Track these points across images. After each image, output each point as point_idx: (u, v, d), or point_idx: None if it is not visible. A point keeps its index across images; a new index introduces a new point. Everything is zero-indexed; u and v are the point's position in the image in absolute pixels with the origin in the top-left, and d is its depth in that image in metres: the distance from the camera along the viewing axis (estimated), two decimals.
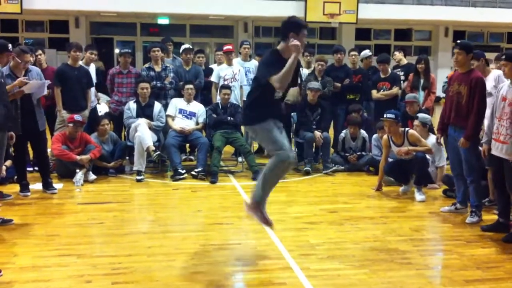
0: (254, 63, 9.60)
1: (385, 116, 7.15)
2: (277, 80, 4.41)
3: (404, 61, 9.79)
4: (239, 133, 8.37)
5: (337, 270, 4.54)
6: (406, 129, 7.22)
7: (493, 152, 5.45)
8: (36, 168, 7.38)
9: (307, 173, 8.20)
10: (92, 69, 8.62)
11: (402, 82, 9.21)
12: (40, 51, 8.38)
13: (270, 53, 4.81)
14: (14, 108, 6.34)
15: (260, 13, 19.53)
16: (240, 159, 8.73)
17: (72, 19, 20.33)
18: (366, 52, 9.88)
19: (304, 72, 9.33)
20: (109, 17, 20.30)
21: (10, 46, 6.15)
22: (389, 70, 9.24)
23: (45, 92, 6.48)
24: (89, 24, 20.83)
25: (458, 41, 6.21)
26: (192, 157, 9.12)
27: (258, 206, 4.84)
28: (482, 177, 6.14)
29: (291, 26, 4.61)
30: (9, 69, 6.35)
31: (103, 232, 5.43)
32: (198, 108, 8.46)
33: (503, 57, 5.49)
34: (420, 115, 7.72)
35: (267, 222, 4.88)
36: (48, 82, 6.56)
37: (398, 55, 9.77)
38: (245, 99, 9.08)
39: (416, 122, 7.59)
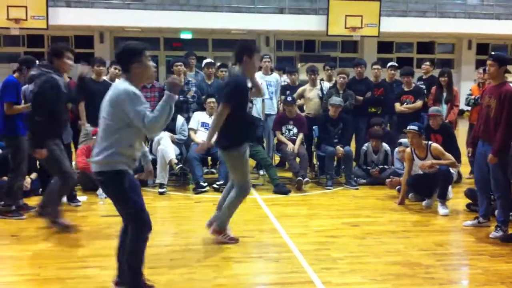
0: (275, 77, 9.66)
1: (408, 127, 7.13)
2: (220, 111, 5.08)
3: (432, 73, 9.73)
4: (260, 146, 8.39)
5: (359, 284, 4.52)
6: (429, 142, 7.17)
7: None
8: None
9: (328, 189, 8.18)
10: None
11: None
12: None
13: (236, 78, 5.22)
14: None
15: (282, 27, 19.62)
16: (261, 172, 8.75)
17: (97, 35, 20.65)
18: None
19: (326, 85, 9.35)
20: (133, 33, 20.56)
21: (37, 62, 6.34)
22: (413, 83, 9.19)
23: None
24: (114, 39, 21.12)
25: (492, 53, 6.12)
26: (214, 170, 9.16)
27: (223, 231, 5.48)
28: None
29: (245, 50, 4.95)
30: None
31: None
32: None
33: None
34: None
35: (233, 239, 5.49)
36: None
37: (428, 67, 9.68)
38: (267, 112, 9.16)
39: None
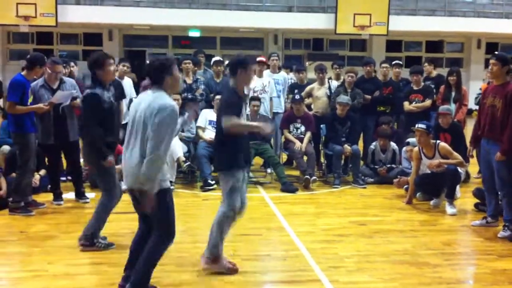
0: (282, 75, 9.67)
1: (416, 126, 7.11)
2: (231, 126, 4.60)
3: (434, 73, 9.71)
4: (268, 145, 8.40)
5: (366, 283, 4.52)
6: (437, 141, 7.15)
7: None
8: (69, 178, 7.52)
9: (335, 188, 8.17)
10: (129, 83, 8.79)
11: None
12: (72, 63, 8.61)
13: (229, 92, 4.96)
14: (47, 119, 6.53)
15: (290, 25, 19.60)
16: (269, 170, 8.75)
17: (106, 32, 20.71)
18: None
19: (334, 84, 9.34)
20: (142, 30, 20.62)
21: (46, 59, 6.38)
22: (422, 82, 9.15)
23: (68, 101, 6.58)
24: (122, 37, 21.19)
25: (495, 53, 6.11)
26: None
27: (218, 258, 4.74)
28: None
29: (239, 64, 4.84)
30: (44, 80, 6.54)
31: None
32: None
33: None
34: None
35: (231, 268, 4.74)
36: (73, 92, 6.65)
37: (428, 67, 9.68)
38: (275, 110, 9.15)
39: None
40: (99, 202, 5.34)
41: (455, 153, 6.99)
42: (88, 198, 7.05)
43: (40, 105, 6.32)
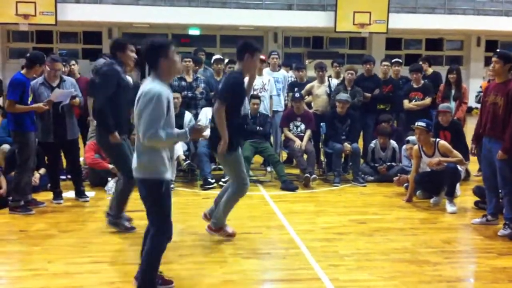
0: (282, 73, 9.66)
1: (416, 124, 7.10)
2: (217, 115, 5.04)
3: (430, 70, 9.70)
4: (268, 143, 8.40)
5: (366, 281, 4.52)
6: (437, 139, 7.14)
7: None
8: (69, 177, 7.52)
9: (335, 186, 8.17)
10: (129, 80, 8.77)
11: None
12: (73, 62, 8.60)
13: (234, 78, 5.18)
14: (46, 117, 6.53)
15: (290, 23, 19.59)
16: (269, 168, 8.75)
17: (105, 30, 20.71)
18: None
19: (334, 82, 9.34)
20: (142, 28, 20.61)
21: (45, 57, 6.38)
22: (422, 80, 9.13)
23: (67, 101, 6.59)
24: (122, 35, 21.17)
25: (497, 50, 6.09)
26: (221, 166, 9.17)
27: (221, 228, 5.49)
28: None
29: (247, 48, 5.05)
30: (44, 79, 6.54)
31: (134, 239, 5.50)
32: None
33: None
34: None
35: (231, 234, 5.52)
36: (72, 91, 6.65)
37: (423, 65, 9.66)
38: (275, 109, 9.15)
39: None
40: (118, 186, 5.73)
41: (455, 151, 6.99)
42: (88, 197, 7.05)
43: (40, 104, 6.31)
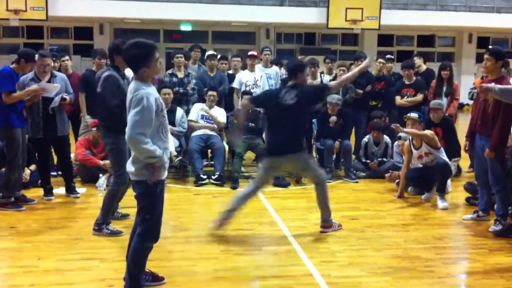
0: (274, 69, 9.64)
1: (408, 114, 7.17)
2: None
3: (424, 67, 9.72)
4: (260, 139, 8.38)
5: (358, 277, 4.52)
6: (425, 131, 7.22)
7: None
8: (60, 173, 7.48)
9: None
10: None
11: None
12: (67, 57, 8.56)
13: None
14: (36, 113, 6.48)
15: (282, 19, 19.56)
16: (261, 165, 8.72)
17: (97, 26, 20.59)
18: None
19: (326, 78, 9.32)
20: (133, 24, 20.50)
21: (36, 56, 6.30)
22: (414, 76, 9.15)
23: (52, 94, 6.53)
24: (113, 31, 21.06)
25: (489, 47, 6.09)
26: (213, 163, 9.15)
27: (330, 223, 5.80)
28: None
29: (299, 68, 5.57)
30: (34, 74, 6.48)
31: (125, 236, 5.47)
32: (218, 112, 8.49)
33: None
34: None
35: (340, 225, 5.86)
36: (58, 86, 6.56)
37: (418, 61, 9.68)
38: None
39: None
40: (108, 188, 5.65)
41: (436, 138, 7.06)
42: (78, 193, 7.02)
43: (32, 88, 6.23)
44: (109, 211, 5.55)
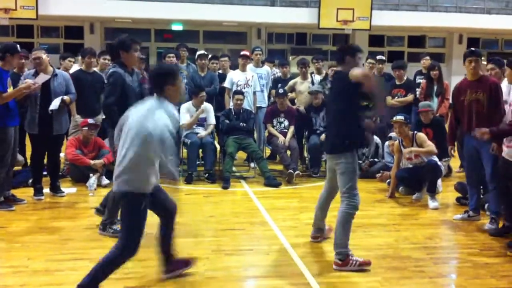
0: (266, 69, 9.65)
1: (394, 117, 7.19)
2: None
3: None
4: (251, 139, 8.38)
5: (349, 277, 4.53)
6: (415, 132, 7.23)
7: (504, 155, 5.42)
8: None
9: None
10: None
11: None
12: (70, 58, 8.68)
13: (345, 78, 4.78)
14: (33, 109, 6.46)
15: (273, 19, 19.56)
16: (252, 164, 8.73)
17: (87, 25, 20.49)
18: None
19: (316, 78, 9.33)
20: (124, 23, 20.42)
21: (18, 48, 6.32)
22: (405, 77, 9.17)
23: (57, 106, 6.52)
24: (104, 30, 20.97)
25: (472, 49, 6.16)
26: (204, 158, 9.12)
27: (347, 257, 4.72)
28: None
29: (348, 50, 5.01)
30: (35, 71, 6.57)
31: (116, 236, 5.44)
32: (207, 110, 8.40)
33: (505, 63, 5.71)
34: (393, 134, 7.82)
35: (364, 263, 4.73)
36: (48, 77, 6.53)
37: (428, 61, 9.69)
38: (258, 105, 9.11)
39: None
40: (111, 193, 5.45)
41: (429, 142, 7.09)
42: (64, 192, 6.98)
43: (22, 85, 6.20)
44: (114, 211, 5.43)
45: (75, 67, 8.61)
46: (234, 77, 8.83)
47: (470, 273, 4.68)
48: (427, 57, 9.86)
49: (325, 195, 5.40)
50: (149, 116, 3.80)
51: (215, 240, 5.37)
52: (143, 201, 3.88)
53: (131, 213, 3.89)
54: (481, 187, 6.29)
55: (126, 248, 3.90)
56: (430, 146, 7.04)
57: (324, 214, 5.40)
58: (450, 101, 9.19)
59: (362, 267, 4.66)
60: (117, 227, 5.40)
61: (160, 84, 3.94)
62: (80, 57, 8.42)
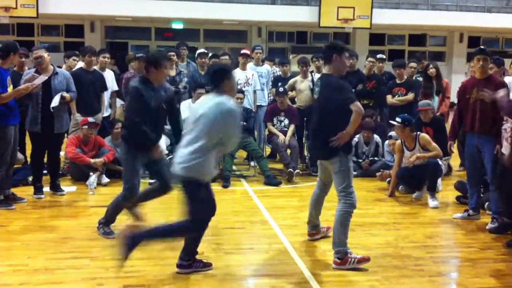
0: (266, 68, 9.65)
1: (395, 122, 7.19)
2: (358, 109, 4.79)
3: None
4: (251, 138, 8.38)
5: (348, 276, 4.53)
6: (418, 133, 7.20)
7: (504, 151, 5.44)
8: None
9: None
10: (111, 75, 8.71)
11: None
12: (74, 57, 8.65)
13: (336, 78, 4.85)
14: (35, 107, 6.46)
15: (274, 18, 19.54)
16: (252, 163, 8.73)
17: (88, 24, 20.47)
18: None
19: (316, 77, 9.31)
20: (124, 22, 20.40)
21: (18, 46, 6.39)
22: (405, 75, 9.15)
23: (57, 103, 6.51)
24: (104, 29, 20.95)
25: (481, 47, 6.11)
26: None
27: (346, 254, 4.71)
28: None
29: (334, 49, 4.82)
30: (36, 69, 6.55)
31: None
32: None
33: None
34: (393, 133, 7.85)
35: (363, 259, 4.75)
36: (45, 78, 6.52)
37: (423, 65, 9.68)
38: (258, 103, 9.12)
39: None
40: (117, 196, 5.38)
41: (434, 144, 7.04)
42: (64, 191, 6.98)
43: (21, 87, 6.19)
44: (112, 215, 5.40)
45: (79, 66, 8.59)
46: (235, 76, 8.80)
47: (470, 272, 4.68)
48: (423, 61, 9.87)
49: (318, 192, 5.43)
50: (220, 103, 4.15)
51: (215, 238, 5.37)
52: (198, 188, 4.27)
53: (195, 197, 4.28)
54: (481, 186, 6.29)
55: (191, 224, 4.34)
56: (436, 149, 6.98)
57: (318, 211, 5.42)
58: (451, 99, 9.28)
59: (361, 263, 4.67)
60: (110, 230, 5.39)
61: (218, 81, 4.27)
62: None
